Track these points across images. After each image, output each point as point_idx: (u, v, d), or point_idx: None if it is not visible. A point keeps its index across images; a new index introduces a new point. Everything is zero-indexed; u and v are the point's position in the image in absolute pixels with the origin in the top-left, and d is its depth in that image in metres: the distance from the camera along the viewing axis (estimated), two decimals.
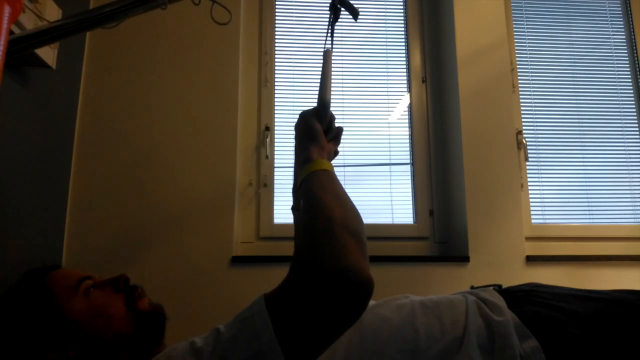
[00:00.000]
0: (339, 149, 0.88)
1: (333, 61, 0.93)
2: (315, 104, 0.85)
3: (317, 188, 0.66)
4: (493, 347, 0.64)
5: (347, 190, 0.71)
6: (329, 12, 0.97)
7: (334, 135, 0.85)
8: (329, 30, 0.96)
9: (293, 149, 0.82)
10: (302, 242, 0.60)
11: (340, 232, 0.58)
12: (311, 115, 0.81)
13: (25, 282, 0.72)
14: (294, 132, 0.83)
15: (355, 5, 0.97)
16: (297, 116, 0.83)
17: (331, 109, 0.86)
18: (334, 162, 0.84)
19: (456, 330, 0.67)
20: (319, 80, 0.88)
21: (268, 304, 0.57)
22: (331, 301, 0.53)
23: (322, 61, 0.91)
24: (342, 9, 0.97)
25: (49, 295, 0.68)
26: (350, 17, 0.97)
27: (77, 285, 0.70)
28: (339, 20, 0.99)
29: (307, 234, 0.60)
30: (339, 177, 0.73)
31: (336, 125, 0.86)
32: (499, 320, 0.67)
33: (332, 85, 0.89)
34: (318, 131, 0.78)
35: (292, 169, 0.86)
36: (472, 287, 0.81)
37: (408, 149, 1.81)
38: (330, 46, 0.94)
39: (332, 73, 0.91)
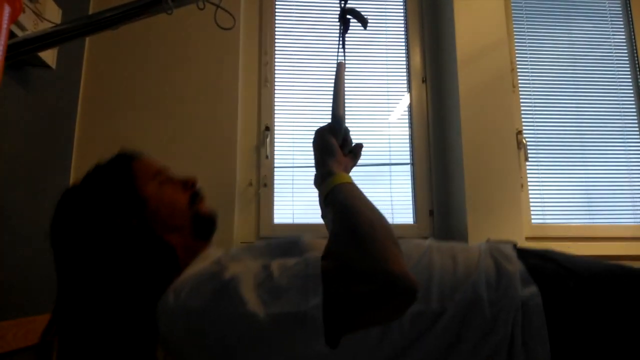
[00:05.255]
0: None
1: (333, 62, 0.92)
2: (329, 118, 0.85)
3: (350, 198, 0.71)
4: (498, 286, 0.72)
5: None
6: (338, 24, 0.96)
7: (351, 149, 0.87)
8: (340, 42, 0.95)
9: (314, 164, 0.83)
10: (347, 247, 0.64)
11: (384, 239, 0.62)
12: (326, 132, 0.83)
13: (115, 162, 0.86)
14: (312, 150, 0.84)
15: (363, 14, 0.95)
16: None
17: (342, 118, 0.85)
18: None
19: (468, 268, 0.75)
20: (331, 93, 0.86)
21: (324, 278, 0.60)
22: (381, 303, 0.59)
23: (334, 74, 0.90)
24: (351, 18, 0.95)
25: (130, 177, 0.81)
26: (360, 25, 0.96)
27: (155, 174, 0.83)
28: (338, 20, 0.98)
29: (350, 240, 0.64)
30: None
31: (354, 141, 0.89)
32: (507, 267, 0.75)
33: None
34: (334, 146, 0.81)
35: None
36: (488, 240, 0.86)
37: (408, 149, 1.81)
38: (342, 59, 0.93)
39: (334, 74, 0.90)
